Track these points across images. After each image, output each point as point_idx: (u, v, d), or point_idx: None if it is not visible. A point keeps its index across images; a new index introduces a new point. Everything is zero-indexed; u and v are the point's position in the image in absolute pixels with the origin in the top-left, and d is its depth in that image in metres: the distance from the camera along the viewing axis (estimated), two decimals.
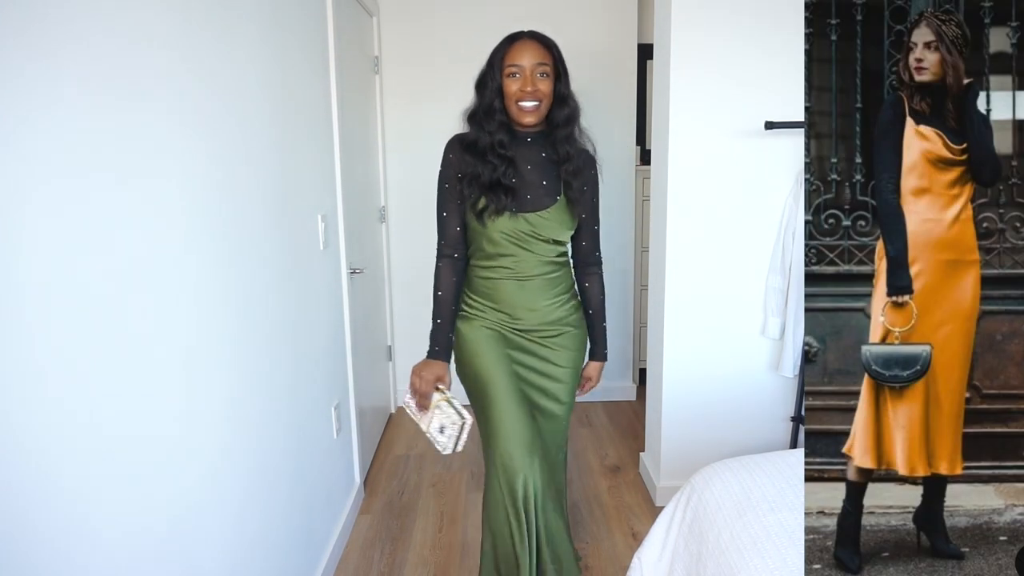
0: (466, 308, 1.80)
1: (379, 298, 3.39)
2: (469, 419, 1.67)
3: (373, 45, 3.37)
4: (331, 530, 2.35)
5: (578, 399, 1.86)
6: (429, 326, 1.78)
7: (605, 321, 1.92)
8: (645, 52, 3.66)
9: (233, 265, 1.53)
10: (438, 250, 1.78)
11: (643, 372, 3.26)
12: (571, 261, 1.87)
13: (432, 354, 1.75)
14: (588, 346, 1.91)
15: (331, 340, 2.40)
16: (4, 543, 0.84)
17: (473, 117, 1.72)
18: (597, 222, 1.87)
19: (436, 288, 1.77)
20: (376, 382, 3.30)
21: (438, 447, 1.71)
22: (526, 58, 1.65)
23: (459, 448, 1.69)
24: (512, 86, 1.66)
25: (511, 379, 1.76)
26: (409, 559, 2.38)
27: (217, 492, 1.43)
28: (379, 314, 3.41)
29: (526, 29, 1.72)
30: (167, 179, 1.24)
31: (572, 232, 1.78)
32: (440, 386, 1.72)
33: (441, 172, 1.75)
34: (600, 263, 1.89)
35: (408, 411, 1.77)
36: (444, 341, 1.76)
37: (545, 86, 1.66)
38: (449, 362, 1.76)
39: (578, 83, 3.82)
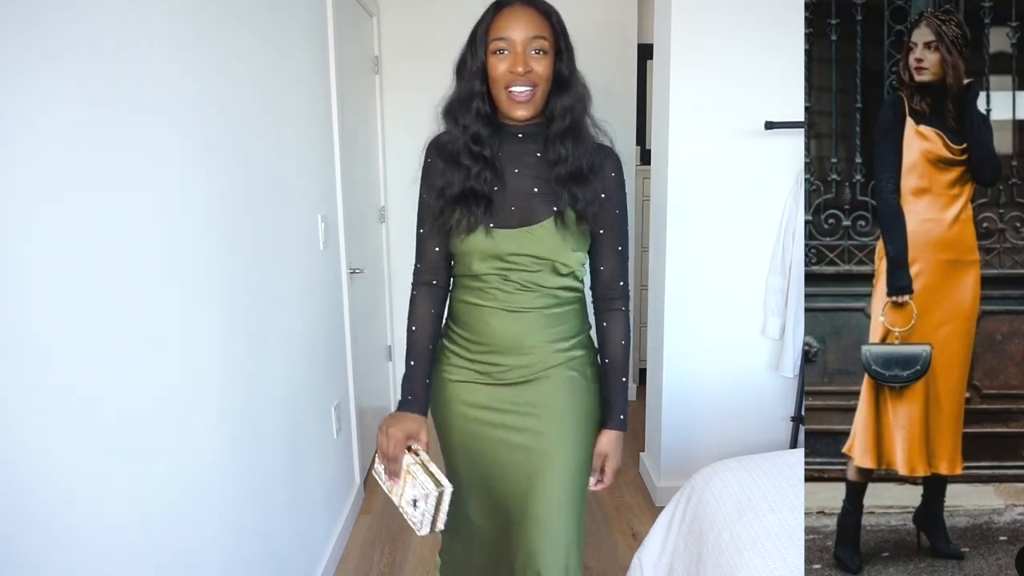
0: (446, 343, 1.43)
1: (379, 298, 3.39)
2: (448, 487, 1.25)
3: (373, 45, 3.37)
4: (331, 530, 2.35)
5: (593, 488, 1.47)
6: None
7: (626, 376, 1.43)
8: (645, 52, 3.66)
9: (233, 265, 1.53)
10: (414, 275, 1.43)
11: (643, 372, 3.26)
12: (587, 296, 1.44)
13: (403, 404, 1.38)
14: (595, 414, 1.42)
15: (331, 340, 2.40)
16: (5, 543, 0.84)
17: (449, 111, 1.35)
18: (623, 241, 1.40)
19: (409, 322, 1.41)
20: (376, 382, 3.30)
21: (412, 525, 1.30)
22: (517, 30, 1.25)
23: (438, 527, 1.28)
24: (499, 66, 1.27)
25: (476, 453, 1.40)
26: (409, 559, 2.38)
27: (217, 492, 1.43)
28: (379, 314, 3.41)
29: None
30: (166, 179, 1.24)
31: (582, 254, 1.36)
32: (413, 445, 1.32)
33: (421, 180, 1.40)
34: (626, 296, 1.43)
35: (378, 479, 1.38)
36: (419, 389, 1.39)
37: (542, 66, 1.27)
38: (425, 414, 1.39)
39: None
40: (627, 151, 3.67)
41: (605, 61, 3.55)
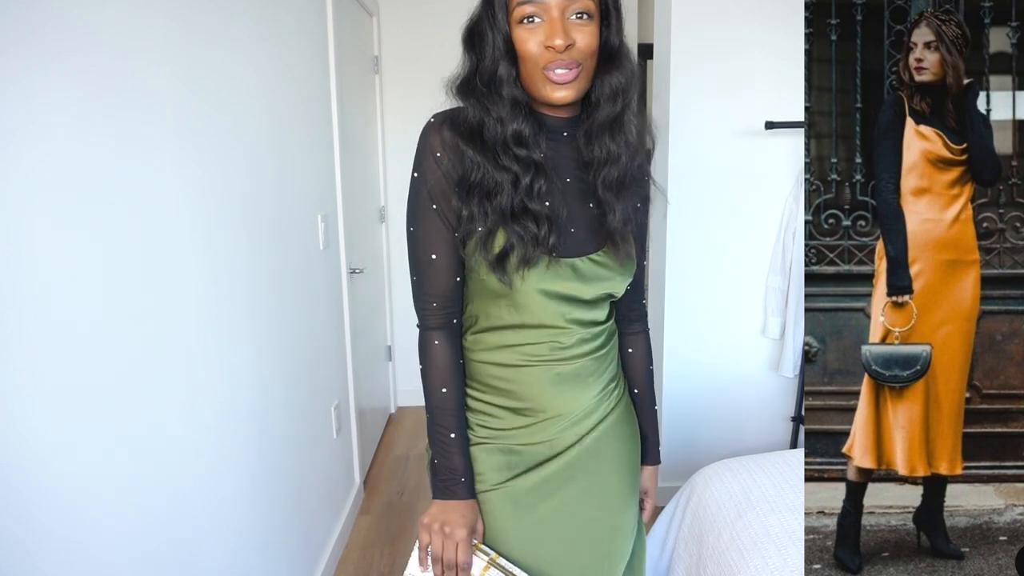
0: (472, 417, 1.09)
1: (379, 298, 3.39)
2: None
3: (373, 45, 3.37)
4: (331, 530, 2.35)
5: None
6: None
7: (656, 404, 1.25)
8: (645, 52, 3.66)
9: (232, 265, 1.53)
10: (424, 314, 1.05)
11: None
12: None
13: (449, 490, 1.03)
14: (638, 445, 1.20)
15: (331, 340, 2.40)
16: (8, 543, 0.84)
17: (468, 89, 0.99)
18: (644, 254, 1.16)
19: (436, 382, 1.04)
20: (376, 382, 3.30)
21: None
22: None
23: None
24: (529, 40, 0.93)
25: (533, 541, 1.08)
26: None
27: (217, 492, 1.43)
28: (379, 314, 3.41)
29: None
30: (165, 179, 1.24)
31: (631, 281, 1.09)
32: (477, 542, 1.05)
33: (418, 176, 1.00)
34: (645, 315, 1.23)
35: None
36: (463, 466, 1.04)
37: (586, 36, 0.93)
38: (475, 498, 1.06)
39: None
40: None
41: None
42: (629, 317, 1.20)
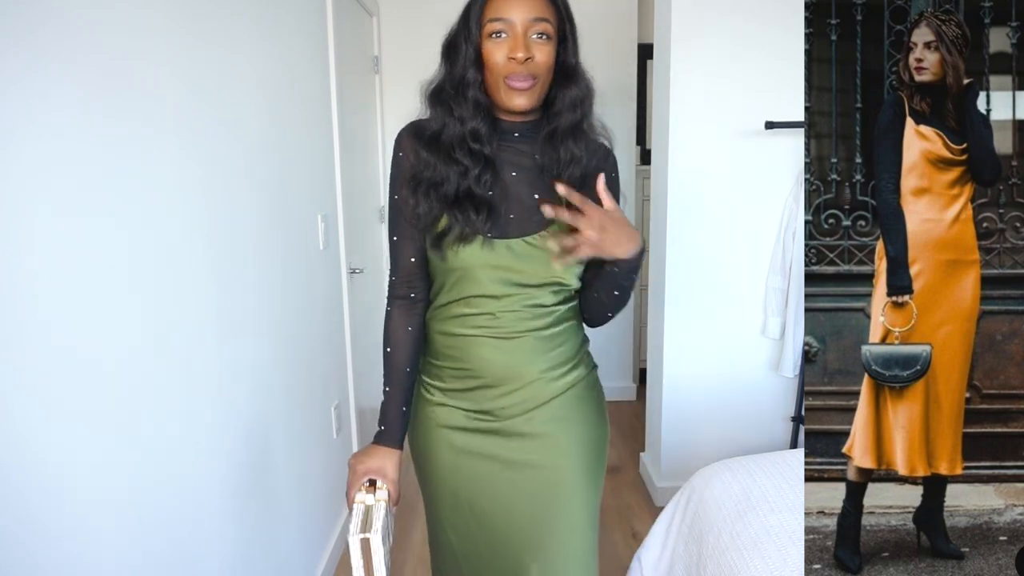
0: (425, 380, 1.26)
1: (379, 298, 3.39)
2: (377, 536, 1.10)
3: (373, 45, 3.37)
4: (331, 530, 2.35)
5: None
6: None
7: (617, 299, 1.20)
8: (645, 52, 3.66)
9: (233, 265, 1.53)
10: (388, 289, 1.26)
11: (643, 372, 3.26)
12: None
13: (375, 437, 1.22)
14: (604, 430, 1.33)
15: (331, 340, 2.40)
16: (9, 543, 0.84)
17: (438, 95, 1.17)
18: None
19: (385, 343, 1.24)
20: (376, 382, 3.30)
21: (353, 564, 1.12)
22: (517, 10, 1.08)
23: None
24: (496, 53, 1.09)
25: (471, 501, 1.23)
26: (409, 559, 2.38)
27: (216, 491, 1.43)
28: (379, 314, 3.40)
29: None
30: (164, 179, 1.24)
31: (581, 269, 1.19)
32: (379, 483, 1.19)
33: (391, 176, 1.21)
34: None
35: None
36: (393, 419, 1.22)
37: (544, 53, 1.10)
38: (399, 446, 1.22)
39: None
40: (627, 151, 3.67)
41: (605, 61, 3.55)
42: None
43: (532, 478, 1.21)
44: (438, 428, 1.23)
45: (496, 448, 1.21)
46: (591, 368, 1.29)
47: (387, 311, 1.26)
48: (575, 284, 1.19)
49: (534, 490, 1.21)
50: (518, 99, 1.11)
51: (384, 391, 1.24)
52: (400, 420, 1.23)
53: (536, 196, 1.16)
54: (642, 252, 1.11)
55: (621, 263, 1.10)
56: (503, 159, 1.18)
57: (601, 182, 1.08)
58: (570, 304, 1.22)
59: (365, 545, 1.10)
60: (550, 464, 1.21)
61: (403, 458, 1.23)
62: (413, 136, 1.19)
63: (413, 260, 1.22)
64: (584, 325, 1.29)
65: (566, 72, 1.15)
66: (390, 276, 1.26)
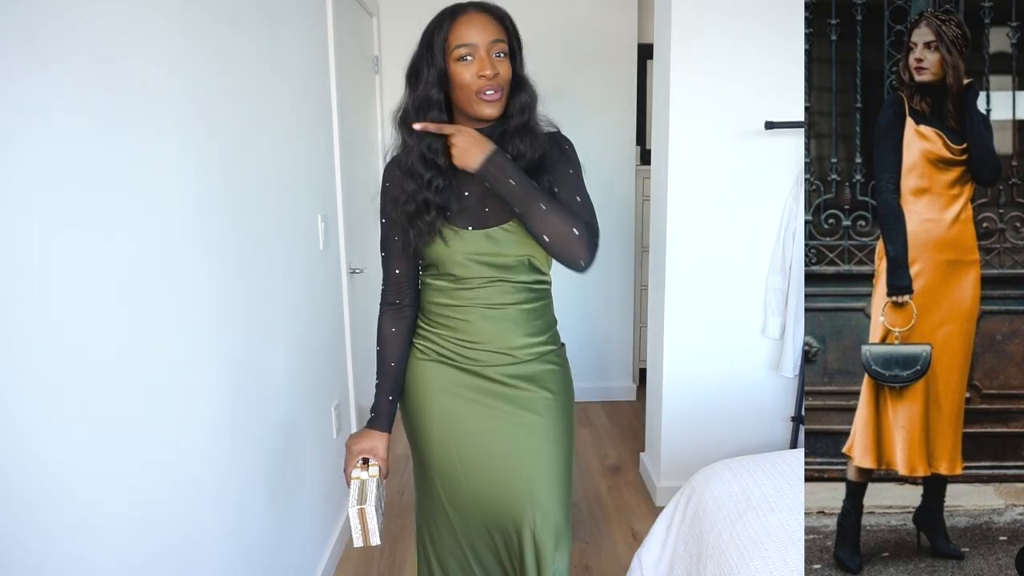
0: (420, 344, 1.45)
1: (379, 298, 3.39)
2: (369, 507, 1.35)
3: (373, 45, 3.37)
4: (331, 530, 2.35)
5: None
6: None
7: (539, 200, 1.28)
8: (645, 52, 3.66)
9: (233, 265, 1.53)
10: (381, 296, 1.48)
11: (643, 372, 3.26)
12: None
13: (368, 422, 1.46)
14: (572, 397, 1.50)
15: (331, 340, 2.40)
16: (9, 543, 0.84)
17: (404, 121, 1.34)
18: (578, 191, 1.37)
19: (377, 342, 1.46)
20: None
21: (353, 532, 1.38)
22: (480, 35, 1.27)
23: (371, 541, 1.38)
24: (465, 73, 1.27)
25: (458, 445, 1.42)
26: (409, 559, 2.38)
27: (217, 492, 1.43)
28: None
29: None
30: (164, 179, 1.24)
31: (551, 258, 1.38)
32: (371, 460, 1.42)
33: (381, 204, 1.43)
34: (590, 234, 1.35)
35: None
36: (383, 408, 1.45)
37: (505, 68, 1.29)
38: (388, 430, 1.46)
39: (578, 83, 3.80)
40: (627, 151, 3.68)
41: (605, 61, 3.55)
42: None
43: (512, 429, 1.40)
44: (430, 382, 1.42)
45: (482, 396, 1.40)
46: (560, 344, 1.50)
47: (379, 315, 1.47)
48: (541, 261, 1.38)
49: (514, 438, 1.40)
50: (489, 109, 1.30)
51: (376, 384, 1.46)
52: (388, 408, 1.46)
53: None
54: (492, 156, 1.27)
55: (482, 171, 1.27)
56: None
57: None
58: (544, 286, 1.43)
59: (361, 514, 1.36)
60: (527, 419, 1.40)
61: (391, 440, 1.47)
62: (393, 170, 1.40)
63: (398, 272, 1.44)
64: (554, 310, 1.49)
65: (518, 81, 1.34)
66: (382, 285, 1.47)
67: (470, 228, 1.34)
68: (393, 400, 1.46)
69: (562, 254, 1.29)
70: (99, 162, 1.03)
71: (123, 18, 1.10)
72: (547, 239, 1.27)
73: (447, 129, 1.28)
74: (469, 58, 1.27)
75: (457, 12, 1.31)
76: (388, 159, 1.43)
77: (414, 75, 1.33)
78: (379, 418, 1.45)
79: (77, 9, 0.98)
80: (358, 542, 1.38)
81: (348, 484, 1.42)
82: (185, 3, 1.32)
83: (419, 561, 1.60)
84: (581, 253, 1.28)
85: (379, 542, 1.39)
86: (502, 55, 1.29)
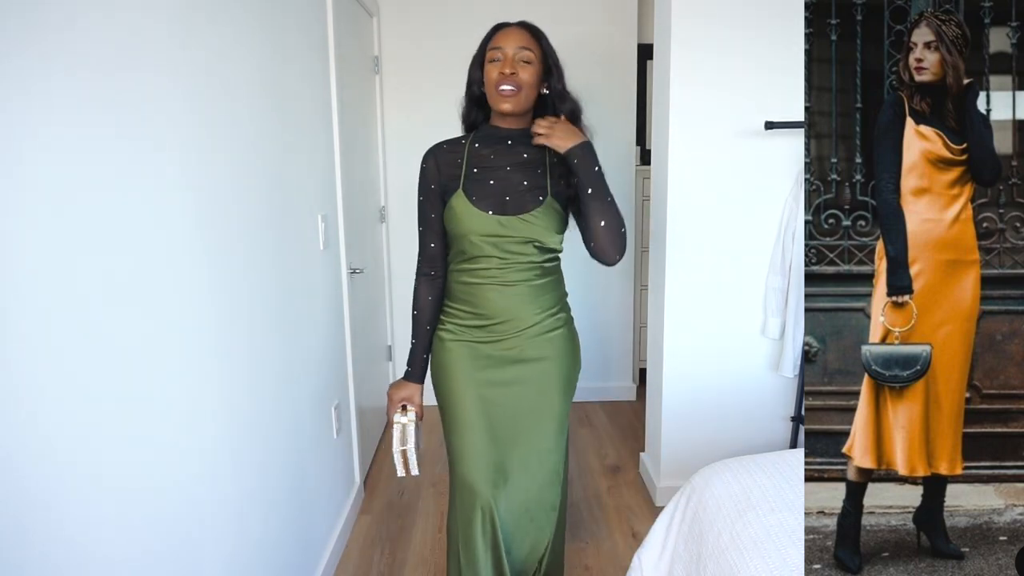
0: (444, 319, 1.70)
1: (379, 298, 3.39)
2: (411, 446, 1.70)
3: (373, 45, 3.37)
4: (331, 530, 2.35)
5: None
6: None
7: (608, 195, 1.57)
8: (645, 52, 3.66)
9: (233, 265, 1.53)
10: (417, 267, 1.71)
11: (643, 372, 3.26)
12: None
13: (406, 375, 1.74)
14: (578, 363, 1.75)
15: (331, 340, 2.40)
16: (12, 542, 0.84)
17: (465, 114, 1.68)
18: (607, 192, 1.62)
19: (413, 307, 1.72)
20: (376, 382, 3.30)
21: (397, 467, 1.73)
22: (508, 41, 1.54)
23: (412, 472, 1.70)
24: (492, 72, 1.53)
25: (478, 403, 1.64)
26: (409, 559, 2.38)
27: (217, 492, 1.43)
28: (379, 314, 3.41)
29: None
30: (165, 179, 1.23)
31: (561, 235, 1.63)
32: (410, 406, 1.72)
33: (419, 183, 1.66)
34: (621, 224, 1.61)
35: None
36: (418, 362, 1.73)
37: (527, 73, 1.53)
38: (422, 382, 1.74)
39: (578, 83, 3.80)
40: (627, 151, 3.67)
41: (605, 61, 3.55)
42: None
43: (523, 391, 1.65)
44: (456, 357, 1.65)
45: (497, 357, 1.63)
46: (570, 316, 1.72)
47: (415, 283, 1.71)
48: (552, 243, 1.59)
49: (525, 399, 1.65)
50: (504, 103, 1.53)
51: (412, 342, 1.73)
52: (422, 363, 1.73)
53: (524, 183, 1.58)
54: (585, 145, 1.51)
55: (573, 153, 1.49)
56: (502, 157, 1.60)
57: (539, 122, 1.51)
58: (553, 263, 1.66)
59: (404, 455, 1.70)
60: (536, 384, 1.65)
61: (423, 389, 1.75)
62: (432, 154, 1.64)
63: (433, 246, 1.67)
64: (564, 284, 1.72)
65: (558, 95, 1.58)
66: (418, 257, 1.70)
67: (490, 213, 1.55)
68: (426, 358, 1.73)
69: (607, 245, 1.53)
70: (99, 163, 1.03)
71: (124, 18, 1.10)
72: (603, 224, 1.52)
73: (549, 119, 1.52)
74: (497, 60, 1.53)
75: (501, 26, 1.59)
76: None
77: (470, 79, 1.63)
78: (414, 372, 1.73)
79: (79, 10, 0.98)
80: (401, 472, 1.70)
81: (391, 425, 1.72)
82: (186, 4, 1.32)
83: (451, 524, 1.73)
84: (620, 247, 1.54)
85: (418, 472, 1.71)
86: (527, 62, 1.53)
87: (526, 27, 1.58)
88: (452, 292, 1.66)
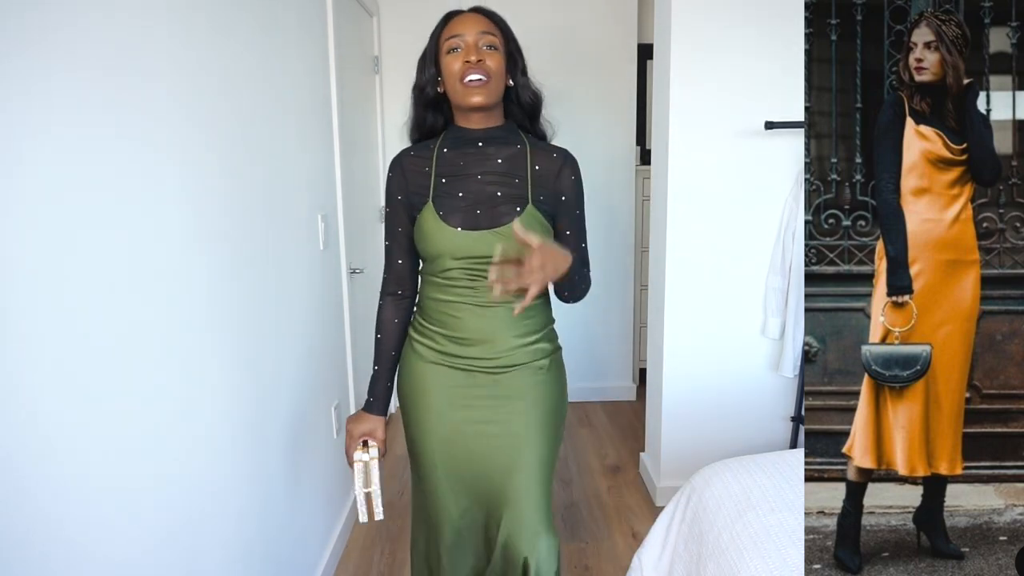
0: (416, 336, 1.48)
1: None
2: (376, 488, 1.48)
3: (373, 45, 3.37)
4: (331, 530, 2.35)
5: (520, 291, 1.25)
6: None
7: (583, 282, 1.46)
8: (645, 52, 3.66)
9: (232, 265, 1.53)
10: (382, 285, 1.52)
11: (643, 372, 3.26)
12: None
13: (365, 406, 1.52)
14: (562, 408, 1.52)
15: (331, 340, 2.40)
16: (15, 542, 0.84)
17: (413, 128, 1.48)
18: (583, 238, 1.47)
19: (376, 330, 1.51)
20: None
21: (360, 512, 1.50)
22: (468, 27, 1.35)
23: (376, 517, 1.51)
24: (454, 64, 1.34)
25: (449, 441, 1.45)
26: (408, 560, 2.38)
27: (216, 492, 1.43)
28: None
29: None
30: (166, 179, 1.24)
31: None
32: (370, 442, 1.50)
33: (385, 194, 1.48)
34: (588, 285, 1.50)
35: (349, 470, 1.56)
36: (381, 392, 1.50)
37: (494, 60, 1.34)
38: (385, 415, 1.52)
39: (578, 83, 3.80)
40: (627, 151, 3.67)
41: (605, 61, 3.55)
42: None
43: (498, 433, 1.43)
44: (429, 384, 1.45)
45: (470, 390, 1.43)
46: (556, 347, 1.51)
47: (380, 304, 1.52)
48: None
49: (500, 444, 1.43)
50: (474, 96, 1.34)
51: (374, 369, 1.52)
52: (385, 393, 1.51)
53: (499, 194, 1.38)
54: (570, 267, 1.32)
55: (560, 278, 1.32)
56: (471, 164, 1.40)
57: (517, 227, 1.20)
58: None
59: (368, 496, 1.49)
60: (512, 428, 1.43)
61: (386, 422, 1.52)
62: (397, 163, 1.45)
63: (401, 263, 1.48)
64: (552, 308, 1.52)
65: (522, 86, 1.41)
66: (384, 274, 1.51)
67: (459, 228, 1.36)
68: (390, 387, 1.52)
69: (566, 300, 1.47)
70: (99, 163, 1.03)
71: (124, 17, 1.10)
72: (566, 294, 1.44)
73: (534, 242, 1.20)
74: (458, 49, 1.34)
75: (453, 13, 1.40)
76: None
77: (416, 86, 1.44)
78: (377, 404, 1.51)
79: (81, 9, 0.98)
80: (364, 518, 1.49)
81: (351, 465, 1.49)
82: (186, 3, 1.32)
83: (414, 557, 1.63)
84: (578, 300, 1.48)
85: (382, 517, 1.54)
86: (491, 48, 1.34)
87: (483, 12, 1.40)
88: (424, 308, 1.47)
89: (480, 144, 1.41)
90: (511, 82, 1.40)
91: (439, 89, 1.40)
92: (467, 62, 1.32)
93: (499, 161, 1.40)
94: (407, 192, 1.43)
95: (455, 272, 1.38)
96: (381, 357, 1.51)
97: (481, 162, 1.40)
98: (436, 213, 1.38)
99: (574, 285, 1.42)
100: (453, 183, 1.39)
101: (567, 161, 1.44)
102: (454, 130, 1.44)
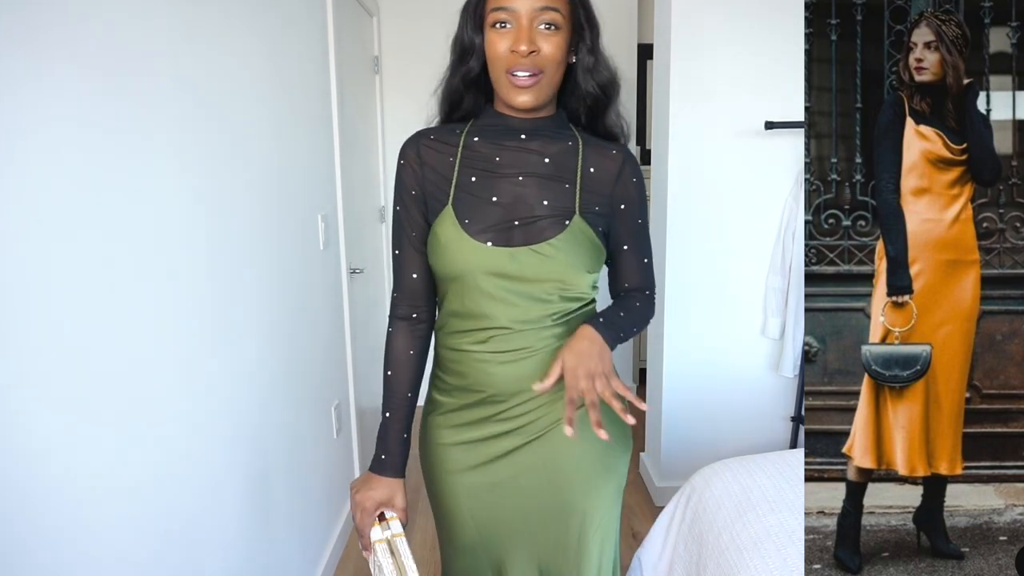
0: (435, 392, 1.19)
1: (379, 298, 3.39)
2: (410, 567, 1.04)
3: (373, 45, 3.37)
4: (331, 530, 2.35)
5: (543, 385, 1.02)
6: None
7: (634, 326, 1.15)
8: (645, 52, 3.66)
9: (233, 265, 1.53)
10: (391, 307, 1.18)
11: (643, 372, 3.26)
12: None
13: (375, 465, 1.15)
14: (626, 444, 1.23)
15: (331, 340, 2.40)
16: (11, 544, 0.84)
17: (443, 99, 1.14)
18: (646, 252, 1.18)
19: (385, 365, 1.17)
20: (376, 382, 3.30)
21: None
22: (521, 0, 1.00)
23: None
24: (499, 44, 1.01)
25: (481, 525, 1.17)
26: None
27: (217, 492, 1.43)
28: (379, 314, 3.41)
29: None
30: (165, 179, 1.24)
31: (594, 275, 1.12)
32: (387, 514, 1.13)
33: (395, 187, 1.15)
34: (652, 313, 1.22)
35: (364, 553, 1.15)
36: (394, 446, 1.14)
37: (551, 46, 1.01)
38: (401, 475, 1.15)
39: None
40: None
41: None
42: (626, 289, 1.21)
43: (544, 499, 1.14)
44: (446, 451, 1.16)
45: (508, 474, 1.13)
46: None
47: (388, 331, 1.18)
48: (583, 286, 1.09)
49: (550, 510, 1.15)
50: (521, 96, 1.03)
51: (384, 416, 1.16)
52: (401, 448, 1.15)
53: (545, 202, 1.08)
54: (609, 347, 1.06)
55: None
56: (508, 162, 1.09)
57: (537, 387, 1.00)
58: (584, 311, 1.13)
59: None
60: (564, 503, 1.14)
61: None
62: (413, 148, 1.14)
63: (415, 276, 1.14)
64: None
65: (584, 67, 1.08)
66: (393, 292, 1.18)
67: (489, 244, 1.06)
68: (407, 439, 1.16)
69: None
70: (98, 163, 1.03)
71: (124, 17, 1.10)
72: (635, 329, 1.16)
73: (549, 379, 1.00)
74: (506, 25, 1.01)
75: None
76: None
77: (456, 43, 1.09)
78: (391, 462, 1.14)
79: (81, 9, 0.98)
80: None
81: (367, 548, 1.11)
82: (186, 3, 1.32)
83: None
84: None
85: None
86: (551, 28, 1.01)
87: None
88: (439, 357, 1.18)
89: (523, 137, 1.10)
90: (573, 59, 1.08)
91: (482, 63, 1.07)
92: (515, 52, 1.00)
93: (546, 160, 1.10)
94: (423, 185, 1.11)
95: (482, 303, 1.08)
96: (393, 400, 1.15)
97: (523, 160, 1.10)
98: (459, 221, 1.07)
99: (633, 333, 1.15)
100: (484, 183, 1.09)
101: (627, 160, 1.14)
102: (491, 115, 1.12)
